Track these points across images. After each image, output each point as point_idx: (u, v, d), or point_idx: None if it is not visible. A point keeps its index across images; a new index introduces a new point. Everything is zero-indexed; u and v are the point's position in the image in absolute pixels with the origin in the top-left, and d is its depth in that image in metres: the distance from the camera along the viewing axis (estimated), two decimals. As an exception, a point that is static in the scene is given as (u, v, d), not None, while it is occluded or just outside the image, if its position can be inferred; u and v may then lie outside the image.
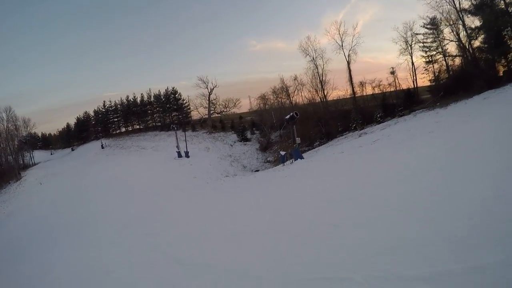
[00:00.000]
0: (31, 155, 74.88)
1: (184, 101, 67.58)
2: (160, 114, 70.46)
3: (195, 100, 62.24)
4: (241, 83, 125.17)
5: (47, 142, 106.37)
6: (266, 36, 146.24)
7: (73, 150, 76.68)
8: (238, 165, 39.80)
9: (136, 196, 24.72)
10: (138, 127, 74.37)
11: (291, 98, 54.23)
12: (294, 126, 26.58)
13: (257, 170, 36.24)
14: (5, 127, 59.51)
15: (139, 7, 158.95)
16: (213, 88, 60.09)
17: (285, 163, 26.54)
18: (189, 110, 67.22)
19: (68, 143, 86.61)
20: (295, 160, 24.99)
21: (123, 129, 77.30)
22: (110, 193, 27.83)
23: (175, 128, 45.17)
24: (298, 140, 26.54)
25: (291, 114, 26.72)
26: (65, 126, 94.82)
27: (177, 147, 43.76)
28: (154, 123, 72.02)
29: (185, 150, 43.00)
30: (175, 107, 67.80)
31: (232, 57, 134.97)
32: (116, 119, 77.19)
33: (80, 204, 25.74)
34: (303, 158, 25.14)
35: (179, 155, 42.74)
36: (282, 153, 28.05)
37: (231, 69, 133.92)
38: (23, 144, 74.48)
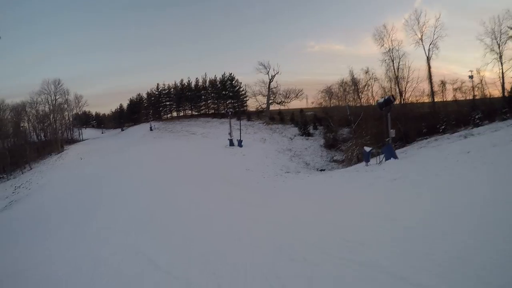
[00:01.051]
0: (80, 131, 74.80)
1: (241, 89, 62.75)
2: (214, 100, 66.53)
3: (253, 86, 56.70)
4: (298, 83, 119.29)
5: (100, 122, 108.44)
6: (324, 38, 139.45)
7: (123, 130, 76.26)
8: (299, 162, 33.86)
9: (172, 180, 21.30)
10: (190, 112, 71.18)
11: (360, 94, 46.83)
12: (388, 114, 20.20)
13: (323, 170, 30.28)
14: (52, 99, 58.51)
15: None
16: (274, 75, 54.32)
17: (368, 163, 20.22)
18: (245, 99, 62.46)
19: (119, 124, 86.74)
20: (386, 159, 18.59)
21: (174, 114, 74.98)
22: (147, 174, 24.26)
23: (230, 113, 40.16)
24: (392, 133, 20.10)
25: (386, 97, 20.60)
26: (118, 107, 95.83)
27: (230, 134, 38.90)
28: (207, 110, 68.40)
29: (238, 138, 37.94)
30: (230, 94, 63.25)
31: (289, 57, 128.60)
32: (168, 103, 74.61)
33: (110, 183, 22.96)
34: (397, 158, 18.63)
35: (231, 144, 37.82)
36: (367, 149, 21.48)
37: (288, 69, 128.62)
38: (74, 120, 75.60)
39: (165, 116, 75.29)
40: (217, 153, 34.75)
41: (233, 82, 63.01)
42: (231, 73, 63.43)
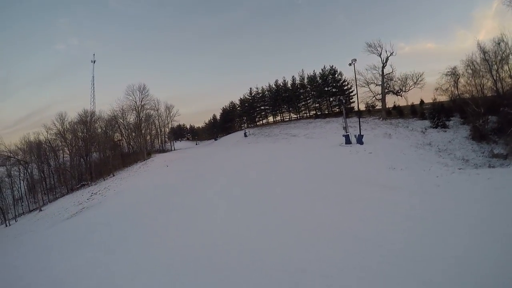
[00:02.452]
0: (172, 143, 75.64)
1: (346, 83, 53.98)
2: (316, 99, 58.67)
3: (365, 73, 46.58)
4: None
5: (194, 134, 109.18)
6: (414, 38, 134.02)
7: (216, 140, 74.04)
8: (451, 157, 24.95)
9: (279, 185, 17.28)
10: (288, 116, 65.35)
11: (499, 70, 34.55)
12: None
13: (493, 166, 22.02)
14: (138, 104, 57.02)
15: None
16: (388, 56, 43.57)
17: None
18: (351, 93, 53.25)
19: (212, 134, 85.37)
20: None
21: (271, 119, 69.90)
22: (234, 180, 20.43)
23: (343, 102, 32.44)
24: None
25: None
26: (211, 118, 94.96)
27: (345, 129, 31.34)
28: (307, 112, 61.42)
29: (358, 134, 29.97)
30: (334, 90, 54.83)
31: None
32: (263, 107, 69.65)
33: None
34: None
35: (348, 141, 30.16)
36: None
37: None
38: (169, 133, 77.02)
39: (260, 122, 70.63)
40: (332, 153, 27.42)
41: (336, 75, 54.67)
42: (332, 66, 55.38)
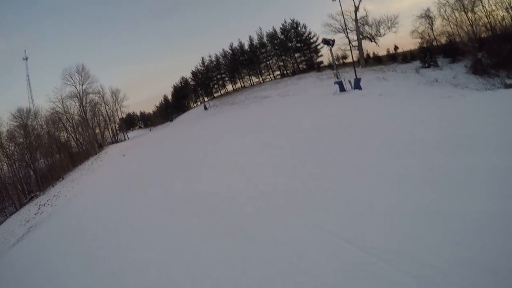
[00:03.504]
0: (125, 133, 67.34)
1: (311, 35, 48.59)
2: (279, 57, 52.62)
3: (331, 21, 41.25)
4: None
5: (146, 121, 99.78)
6: None
7: (172, 121, 66.01)
8: (470, 89, 21.66)
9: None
10: (249, 81, 58.70)
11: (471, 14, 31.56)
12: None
13: None
14: (78, 90, 46.71)
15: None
16: (361, 0, 39.08)
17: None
18: (318, 47, 48.09)
19: (167, 117, 76.99)
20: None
21: (230, 87, 63.16)
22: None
23: (331, 43, 26.92)
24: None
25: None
26: (162, 100, 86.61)
27: (336, 75, 26.07)
28: (272, 73, 55.33)
29: (355, 78, 24.75)
30: (298, 45, 49.26)
31: None
32: (220, 75, 62.40)
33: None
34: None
35: (342, 88, 24.56)
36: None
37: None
38: (119, 124, 68.87)
39: (218, 93, 63.74)
40: (333, 103, 21.55)
41: (299, 29, 49.03)
42: (293, 19, 49.44)
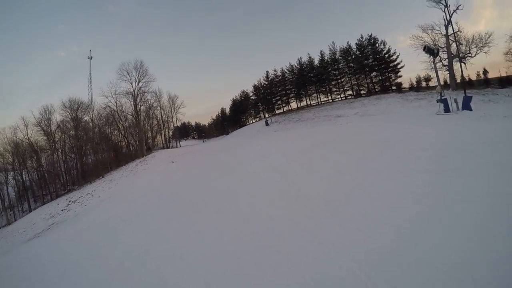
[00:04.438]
0: (177, 142, 65.65)
1: (390, 52, 44.12)
2: (353, 75, 48.46)
3: (421, 33, 37.14)
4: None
5: (200, 132, 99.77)
6: None
7: (227, 134, 63.85)
8: None
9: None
10: (316, 100, 54.83)
11: None
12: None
13: None
14: (133, 88, 44.84)
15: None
16: (455, 10, 33.77)
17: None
18: (397, 66, 43.50)
19: (222, 130, 75.35)
20: None
21: (293, 105, 59.65)
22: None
23: (436, 51, 22.82)
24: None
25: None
26: (219, 112, 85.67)
27: (440, 93, 21.70)
28: (343, 91, 50.97)
29: (464, 96, 20.57)
30: (375, 62, 44.97)
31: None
32: (284, 91, 59.25)
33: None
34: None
35: (447, 108, 20.10)
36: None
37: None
38: (173, 132, 67.71)
39: (280, 109, 60.62)
40: (442, 125, 17.04)
41: (377, 45, 44.82)
42: (370, 34, 45.52)
